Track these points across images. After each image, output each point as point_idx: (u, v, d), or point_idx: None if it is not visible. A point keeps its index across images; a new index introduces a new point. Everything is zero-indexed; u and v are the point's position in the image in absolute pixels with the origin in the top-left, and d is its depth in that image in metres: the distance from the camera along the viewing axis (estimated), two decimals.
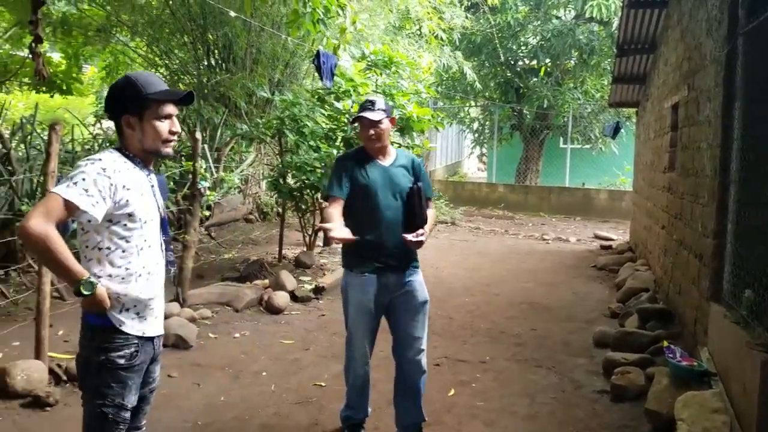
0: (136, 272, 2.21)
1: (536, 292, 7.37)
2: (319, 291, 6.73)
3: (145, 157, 2.28)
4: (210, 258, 8.30)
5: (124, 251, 2.17)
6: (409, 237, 3.16)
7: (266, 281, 6.75)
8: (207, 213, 7.78)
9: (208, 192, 6.37)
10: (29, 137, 7.38)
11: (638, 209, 9.55)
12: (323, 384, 4.39)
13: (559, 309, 6.62)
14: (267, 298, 6.23)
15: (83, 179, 2.07)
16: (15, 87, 13.66)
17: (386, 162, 3.39)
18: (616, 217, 14.61)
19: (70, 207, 2.05)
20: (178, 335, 5.02)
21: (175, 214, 8.58)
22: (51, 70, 10.25)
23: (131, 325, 2.20)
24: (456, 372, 4.68)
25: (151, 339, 2.30)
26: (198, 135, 6.07)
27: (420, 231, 3.18)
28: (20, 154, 6.99)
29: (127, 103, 2.19)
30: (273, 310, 6.11)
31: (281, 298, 6.25)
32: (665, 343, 4.36)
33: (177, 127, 2.29)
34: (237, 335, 5.44)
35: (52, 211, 2.04)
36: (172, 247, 2.43)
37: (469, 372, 4.70)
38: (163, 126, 2.24)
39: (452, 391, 4.31)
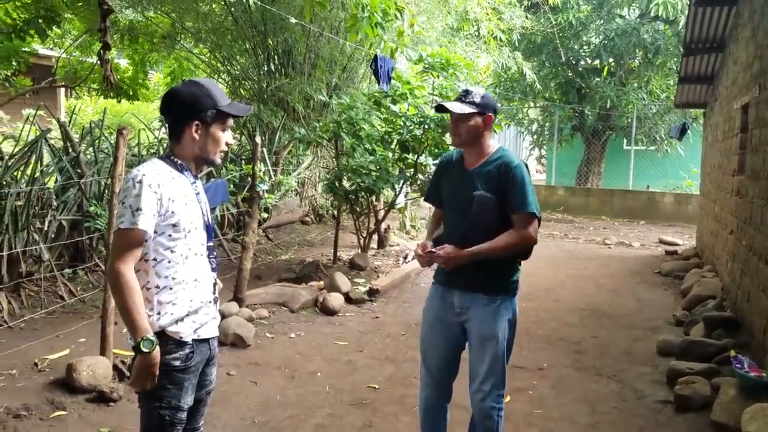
0: (184, 281, 2.22)
1: (597, 299, 7.17)
2: (373, 293, 6.74)
3: (195, 164, 2.32)
4: (267, 259, 8.44)
5: (169, 261, 2.19)
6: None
7: (321, 283, 6.82)
8: (265, 215, 7.90)
9: (266, 194, 6.46)
10: (97, 141, 7.64)
11: (705, 213, 9.19)
12: (377, 386, 4.39)
13: (621, 316, 6.44)
14: (322, 299, 6.28)
15: (139, 202, 2.09)
16: (84, 92, 14.20)
17: (473, 165, 2.91)
18: (682, 221, 14.10)
19: (140, 235, 2.11)
20: (236, 334, 5.11)
21: (235, 216, 8.77)
22: (118, 77, 10.59)
23: (187, 332, 2.23)
24: (512, 378, 4.56)
25: (206, 340, 2.32)
26: (258, 139, 6.17)
27: (441, 246, 2.83)
28: (89, 157, 7.24)
29: (202, 112, 2.22)
30: (328, 311, 6.16)
31: (336, 299, 6.29)
32: (733, 353, 4.20)
33: (231, 139, 2.37)
34: (293, 335, 5.50)
35: (128, 250, 2.10)
36: (216, 252, 2.44)
37: (527, 379, 4.63)
38: (224, 137, 2.30)
39: (508, 398, 4.23)
